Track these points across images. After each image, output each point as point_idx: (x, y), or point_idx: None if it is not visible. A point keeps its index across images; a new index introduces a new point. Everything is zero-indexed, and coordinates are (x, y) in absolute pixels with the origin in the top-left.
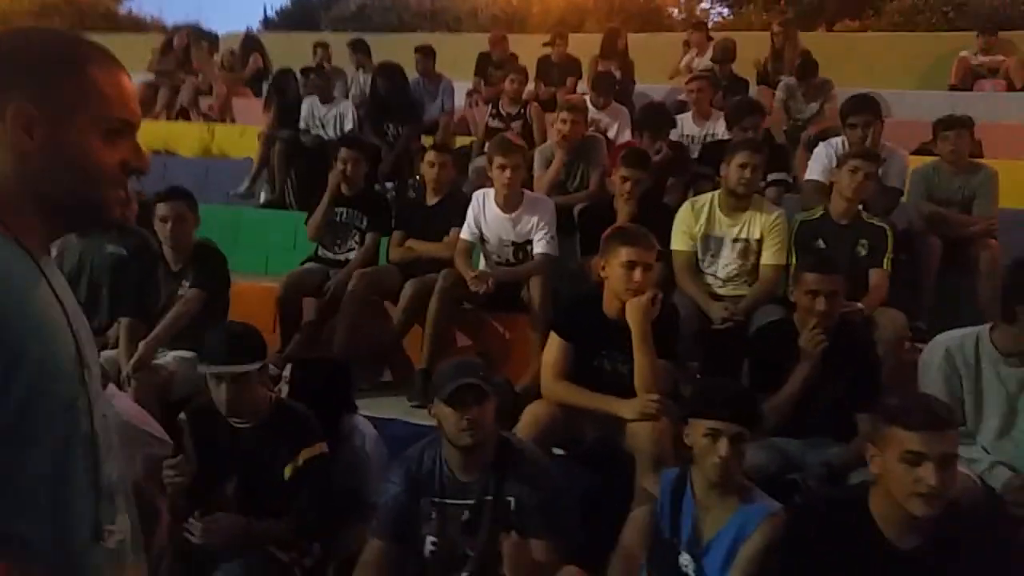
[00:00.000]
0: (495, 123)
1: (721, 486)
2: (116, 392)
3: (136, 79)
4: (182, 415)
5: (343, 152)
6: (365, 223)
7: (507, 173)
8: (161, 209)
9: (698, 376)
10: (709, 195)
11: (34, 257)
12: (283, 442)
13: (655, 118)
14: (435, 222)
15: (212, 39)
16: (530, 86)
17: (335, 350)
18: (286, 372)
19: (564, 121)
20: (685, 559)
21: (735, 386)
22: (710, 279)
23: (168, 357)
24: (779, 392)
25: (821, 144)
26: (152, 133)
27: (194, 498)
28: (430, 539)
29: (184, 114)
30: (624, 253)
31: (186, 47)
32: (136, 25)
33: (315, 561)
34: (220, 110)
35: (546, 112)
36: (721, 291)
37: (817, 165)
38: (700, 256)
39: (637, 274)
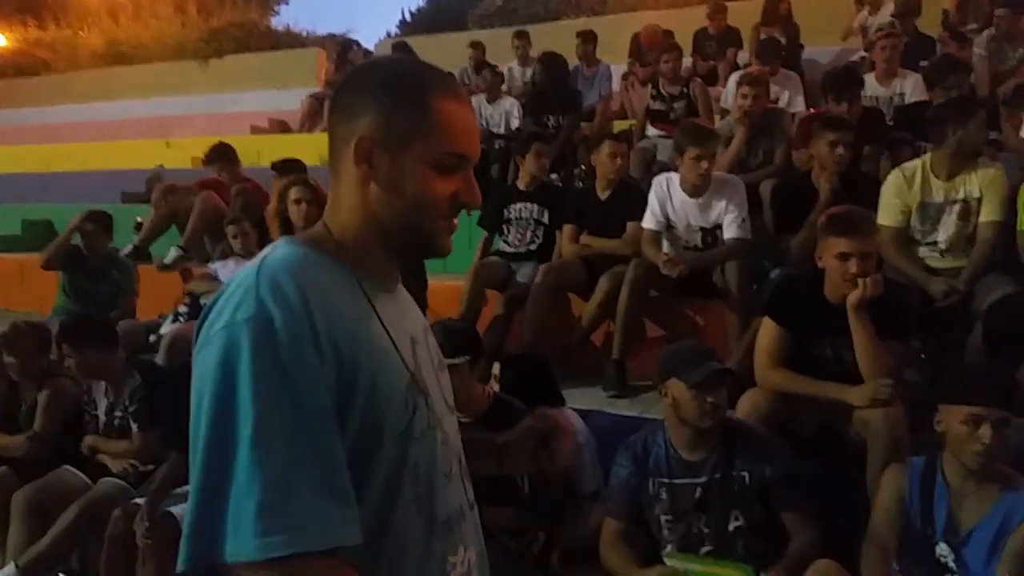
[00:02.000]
0: (657, 104)
1: (981, 474)
2: None
3: (301, 94)
4: None
5: (535, 147)
6: (546, 216)
7: (703, 163)
8: None
9: (922, 356)
10: (919, 161)
11: (366, 291)
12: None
13: (842, 80)
14: (610, 216)
15: (367, 51)
16: (686, 61)
17: (523, 343)
18: (495, 370)
19: (745, 96)
20: (943, 549)
21: (996, 369)
22: (925, 252)
23: None
24: None
25: None
26: (319, 145)
27: None
28: (664, 519)
29: None
30: (839, 244)
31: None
32: (295, 40)
33: (541, 548)
34: None
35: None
36: (937, 265)
37: None
38: (918, 226)
39: (853, 265)
